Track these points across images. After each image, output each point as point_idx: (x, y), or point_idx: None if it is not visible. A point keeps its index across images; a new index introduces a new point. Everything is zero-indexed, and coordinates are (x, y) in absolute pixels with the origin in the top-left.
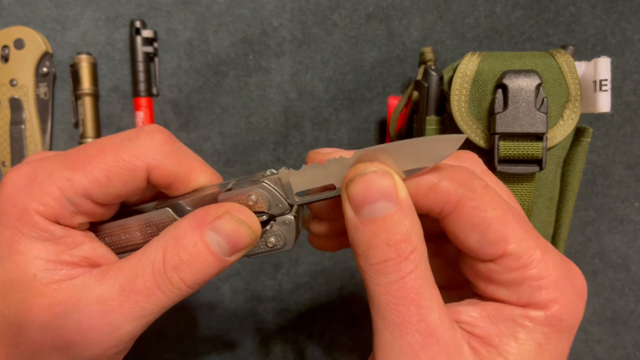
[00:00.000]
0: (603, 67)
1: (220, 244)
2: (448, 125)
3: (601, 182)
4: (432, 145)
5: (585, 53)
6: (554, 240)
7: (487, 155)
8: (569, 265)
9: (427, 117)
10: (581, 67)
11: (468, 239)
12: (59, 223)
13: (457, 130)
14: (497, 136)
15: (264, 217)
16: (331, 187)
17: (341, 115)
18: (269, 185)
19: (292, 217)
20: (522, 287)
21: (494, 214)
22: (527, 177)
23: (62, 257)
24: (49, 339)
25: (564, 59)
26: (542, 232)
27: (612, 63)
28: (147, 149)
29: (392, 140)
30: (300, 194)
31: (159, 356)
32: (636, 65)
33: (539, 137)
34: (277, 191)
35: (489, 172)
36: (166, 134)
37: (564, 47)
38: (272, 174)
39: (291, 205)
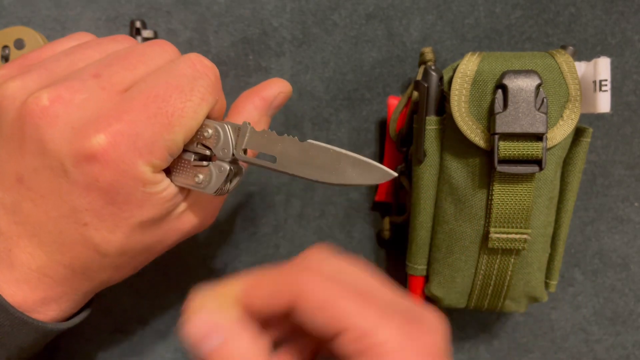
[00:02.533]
0: (603, 67)
1: (274, 112)
2: (448, 126)
3: (601, 182)
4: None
5: (585, 53)
6: (553, 241)
7: (487, 156)
8: (414, 325)
9: (427, 117)
10: (581, 67)
11: (313, 325)
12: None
13: (457, 130)
14: (497, 136)
15: (207, 152)
16: (272, 159)
17: (341, 115)
18: (227, 128)
19: (228, 167)
20: (368, 356)
21: (325, 297)
22: (527, 177)
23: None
24: (176, 240)
25: (563, 59)
26: (542, 232)
27: (612, 63)
28: (217, 84)
29: (391, 140)
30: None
31: (159, 356)
32: (636, 66)
33: (538, 137)
34: (231, 138)
35: (337, 258)
36: (211, 62)
37: (563, 47)
38: (246, 126)
39: (234, 158)
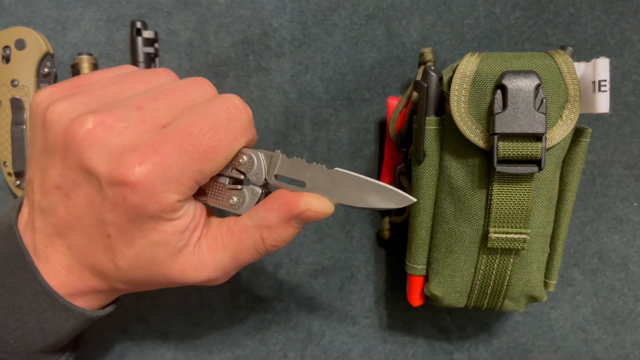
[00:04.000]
0: (602, 67)
1: (301, 223)
2: (447, 126)
3: (600, 182)
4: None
5: (585, 54)
6: (552, 240)
7: (487, 156)
8: None
9: (427, 118)
10: (580, 67)
11: None
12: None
13: (457, 131)
14: (496, 136)
15: (241, 177)
16: (301, 184)
17: (341, 116)
18: (261, 156)
19: (261, 191)
20: None
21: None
22: (526, 178)
23: (190, 225)
24: (170, 283)
25: (563, 59)
26: (541, 232)
27: (611, 64)
28: (250, 125)
29: (391, 140)
30: (280, 178)
31: (160, 355)
32: (635, 66)
33: (538, 137)
34: (264, 164)
35: None
36: (245, 104)
37: (563, 47)
38: (278, 154)
39: (266, 182)
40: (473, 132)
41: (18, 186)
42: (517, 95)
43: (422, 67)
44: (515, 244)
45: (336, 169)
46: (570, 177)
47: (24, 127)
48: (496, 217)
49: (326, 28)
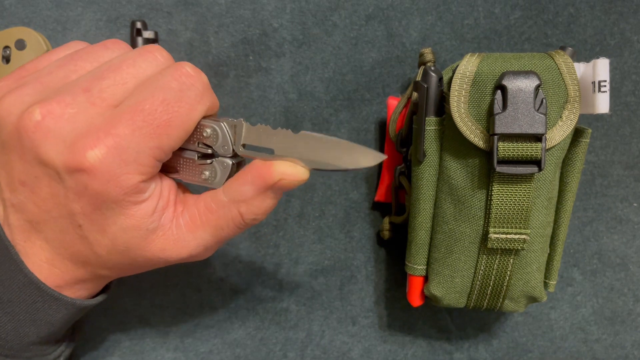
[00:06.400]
0: (602, 68)
1: (279, 193)
2: (447, 126)
3: (600, 183)
4: (353, 153)
5: (584, 54)
6: (552, 241)
7: (487, 156)
8: None
9: (427, 118)
10: (580, 68)
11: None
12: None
13: (457, 131)
14: (496, 137)
15: (209, 151)
16: (270, 151)
17: (341, 116)
18: (224, 127)
19: (231, 162)
20: None
21: None
22: (526, 178)
23: (159, 205)
24: (154, 264)
25: (562, 60)
26: (541, 233)
27: (611, 64)
28: (207, 93)
29: (391, 140)
30: (248, 147)
31: (160, 355)
32: (635, 66)
33: (538, 137)
34: (229, 135)
35: None
36: (198, 70)
37: (562, 48)
38: (241, 123)
39: (235, 153)
40: (473, 133)
41: None
42: (517, 96)
43: (422, 68)
44: (515, 245)
45: (302, 132)
46: (570, 178)
47: None
48: (496, 218)
49: (326, 28)
